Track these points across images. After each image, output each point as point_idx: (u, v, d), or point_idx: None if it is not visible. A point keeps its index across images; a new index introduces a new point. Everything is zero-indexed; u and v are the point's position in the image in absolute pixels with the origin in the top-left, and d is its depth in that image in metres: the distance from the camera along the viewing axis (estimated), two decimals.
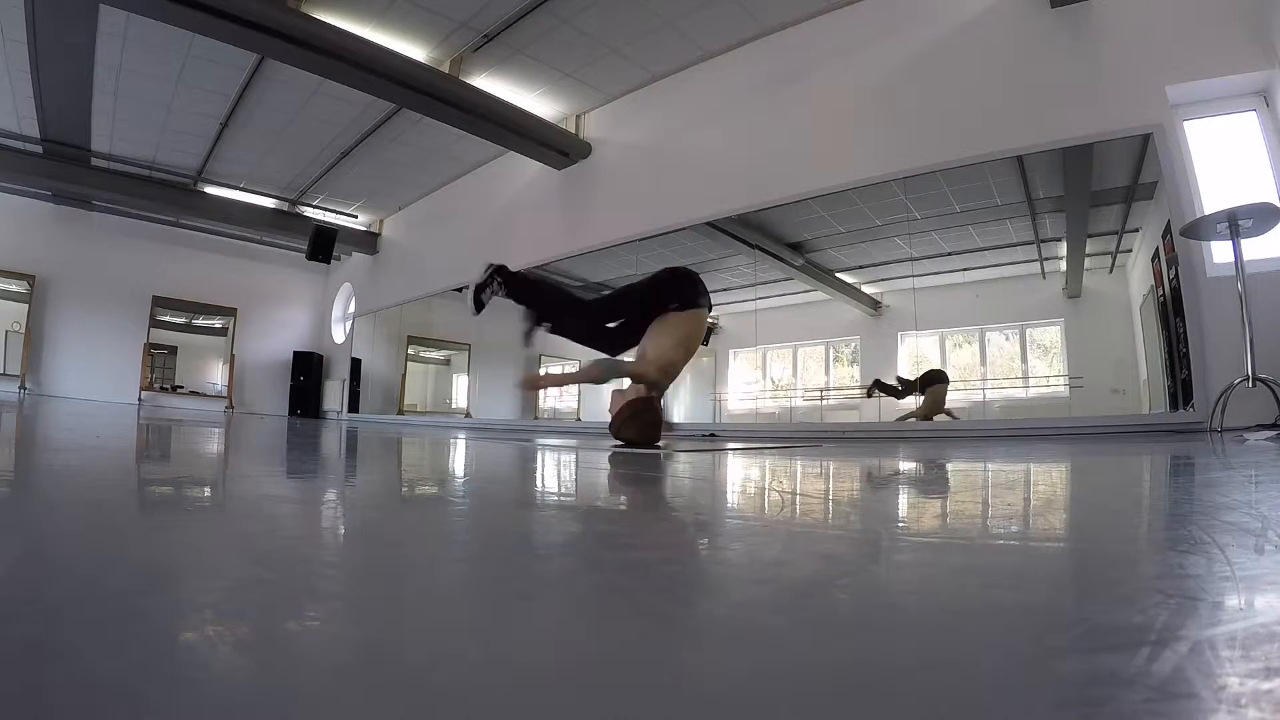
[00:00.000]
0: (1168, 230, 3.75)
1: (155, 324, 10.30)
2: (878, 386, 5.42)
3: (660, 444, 2.79)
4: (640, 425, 2.75)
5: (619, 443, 2.78)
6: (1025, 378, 5.18)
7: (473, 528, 0.82)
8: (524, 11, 5.37)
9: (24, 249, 9.04)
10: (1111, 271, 4.70)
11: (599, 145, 7.02)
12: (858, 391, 6.01)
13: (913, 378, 5.27)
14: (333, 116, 7.22)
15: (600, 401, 7.85)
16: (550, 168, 7.29)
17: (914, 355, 5.53)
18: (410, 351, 10.35)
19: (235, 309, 11.02)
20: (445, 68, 6.01)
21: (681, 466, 1.82)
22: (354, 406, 10.41)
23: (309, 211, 9.89)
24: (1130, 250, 4.54)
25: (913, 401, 5.23)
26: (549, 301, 3.06)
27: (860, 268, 6.14)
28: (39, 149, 7.76)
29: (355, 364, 10.63)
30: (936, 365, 5.36)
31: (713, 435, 4.94)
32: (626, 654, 0.34)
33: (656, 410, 2.81)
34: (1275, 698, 0.25)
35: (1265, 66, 3.55)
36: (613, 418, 2.82)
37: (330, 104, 6.89)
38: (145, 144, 7.91)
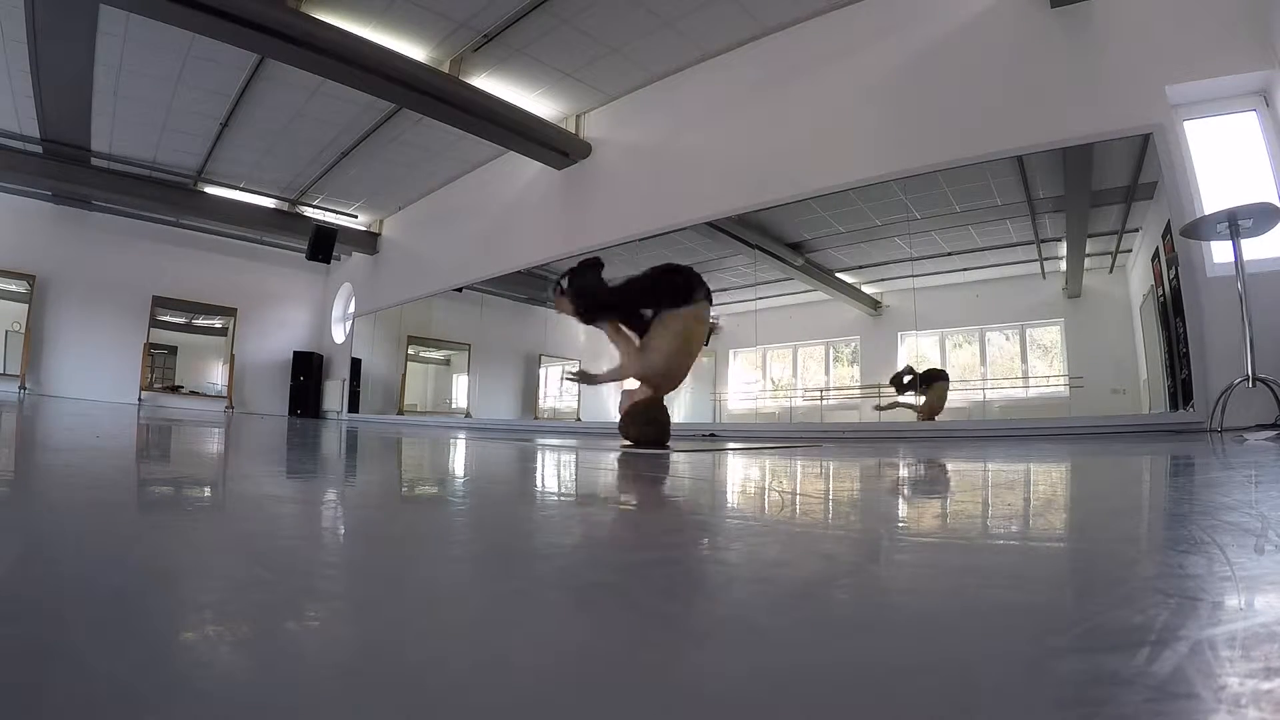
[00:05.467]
0: (1168, 230, 3.75)
1: (155, 324, 10.30)
2: (900, 382, 5.30)
3: (667, 444, 2.80)
4: (644, 425, 2.76)
5: (627, 443, 2.78)
6: (1025, 378, 5.18)
7: (473, 528, 0.82)
8: (524, 11, 5.37)
9: (24, 249, 9.03)
10: (1111, 271, 4.70)
11: (599, 145, 7.02)
12: (858, 391, 6.00)
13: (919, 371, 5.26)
14: (333, 116, 7.22)
15: (599, 401, 7.86)
16: (550, 168, 7.28)
17: (914, 355, 5.53)
18: (410, 351, 10.35)
19: (235, 309, 11.01)
20: (445, 68, 6.01)
21: (682, 467, 1.82)
22: (354, 406, 10.41)
23: (309, 211, 9.88)
24: (1130, 250, 4.54)
25: (912, 398, 5.22)
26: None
27: (860, 268, 6.14)
28: (39, 149, 7.76)
29: (355, 364, 10.63)
30: (937, 365, 5.36)
31: (713, 435, 4.94)
32: (626, 654, 0.34)
33: (663, 411, 2.82)
34: (1275, 698, 0.25)
35: (1265, 66, 3.55)
36: (621, 417, 2.82)
37: (330, 104, 6.89)
38: (145, 144, 7.90)
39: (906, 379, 5.28)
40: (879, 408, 5.41)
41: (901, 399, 5.28)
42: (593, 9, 5.33)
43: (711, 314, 2.94)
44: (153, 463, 1.64)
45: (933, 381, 5.18)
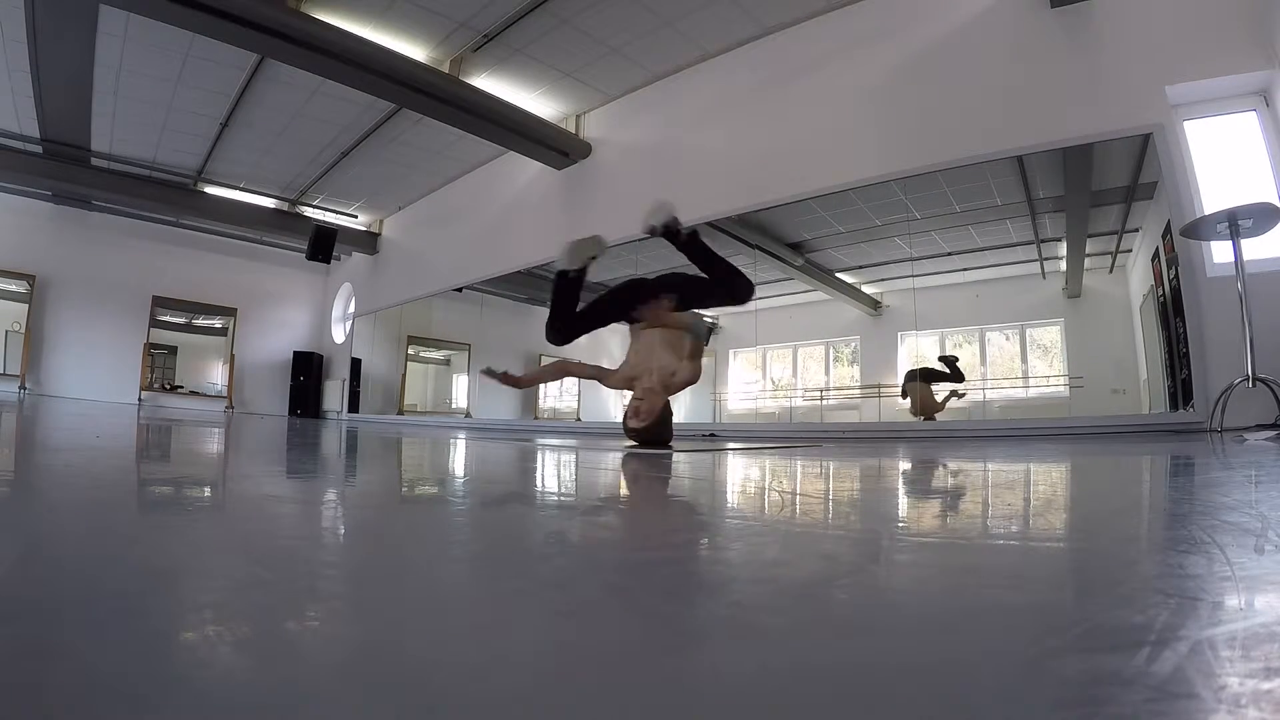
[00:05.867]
0: (1168, 230, 3.75)
1: (155, 324, 10.29)
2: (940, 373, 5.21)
3: (670, 444, 2.80)
4: (651, 425, 2.76)
5: (631, 443, 2.78)
6: (1025, 378, 5.18)
7: (473, 528, 0.82)
8: (524, 11, 5.37)
9: (24, 249, 9.02)
10: (1111, 271, 4.71)
11: (599, 145, 7.02)
12: (858, 392, 6.00)
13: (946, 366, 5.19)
14: (333, 116, 7.22)
15: (599, 401, 7.85)
16: (550, 168, 7.28)
17: (914, 356, 5.53)
18: (410, 351, 10.35)
19: (235, 309, 11.01)
20: (445, 68, 6.01)
21: (682, 466, 1.82)
22: (354, 406, 10.41)
23: (309, 211, 9.88)
24: (1130, 250, 4.54)
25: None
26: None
27: (860, 268, 6.14)
28: (39, 149, 7.76)
29: (355, 364, 10.63)
30: (934, 365, 5.36)
31: (713, 435, 4.94)
32: (626, 654, 0.34)
33: (667, 411, 2.83)
34: (1275, 698, 0.25)
35: (1265, 66, 3.55)
36: (634, 418, 2.82)
37: (330, 104, 6.89)
38: (145, 144, 7.90)
39: (936, 369, 5.19)
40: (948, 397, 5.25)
41: (948, 388, 5.15)
42: (593, 9, 5.33)
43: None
44: (153, 463, 1.64)
45: (930, 380, 5.17)
